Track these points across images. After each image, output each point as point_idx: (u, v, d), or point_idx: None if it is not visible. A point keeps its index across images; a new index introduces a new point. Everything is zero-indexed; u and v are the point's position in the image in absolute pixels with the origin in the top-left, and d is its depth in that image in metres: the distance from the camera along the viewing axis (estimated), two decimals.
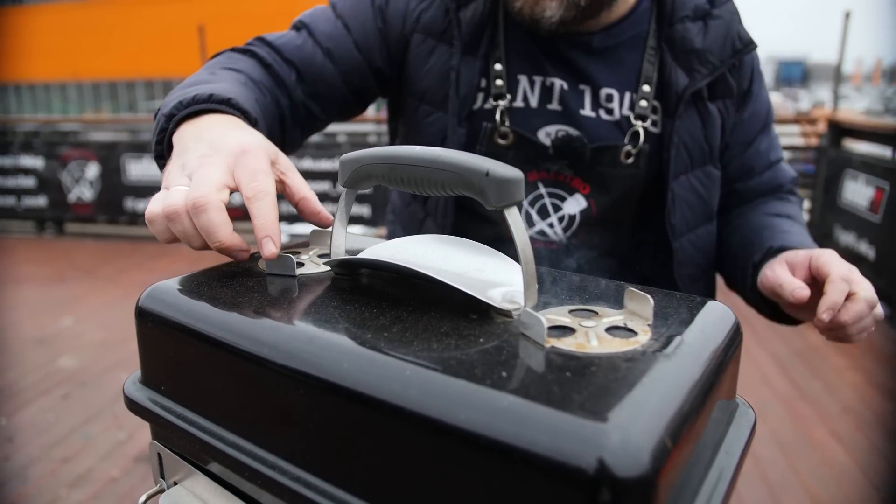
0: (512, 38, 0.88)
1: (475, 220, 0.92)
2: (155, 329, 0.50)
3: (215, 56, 0.87)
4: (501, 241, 0.51)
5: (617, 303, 0.46)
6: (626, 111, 0.88)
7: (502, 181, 0.41)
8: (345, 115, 0.98)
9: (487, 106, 0.88)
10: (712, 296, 1.00)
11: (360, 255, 0.51)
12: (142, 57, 23.12)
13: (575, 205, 0.90)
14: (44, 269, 5.17)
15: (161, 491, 0.54)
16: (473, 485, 0.33)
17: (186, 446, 0.51)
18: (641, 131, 0.86)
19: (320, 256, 0.58)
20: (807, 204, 4.98)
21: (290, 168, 0.60)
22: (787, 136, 5.17)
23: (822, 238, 4.48)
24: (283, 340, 0.42)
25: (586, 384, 0.34)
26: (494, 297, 0.45)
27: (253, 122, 0.67)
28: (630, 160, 0.87)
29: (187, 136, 0.62)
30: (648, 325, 0.41)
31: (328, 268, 0.55)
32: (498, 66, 0.87)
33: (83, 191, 5.91)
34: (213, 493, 0.50)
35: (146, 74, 24.70)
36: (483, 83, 0.89)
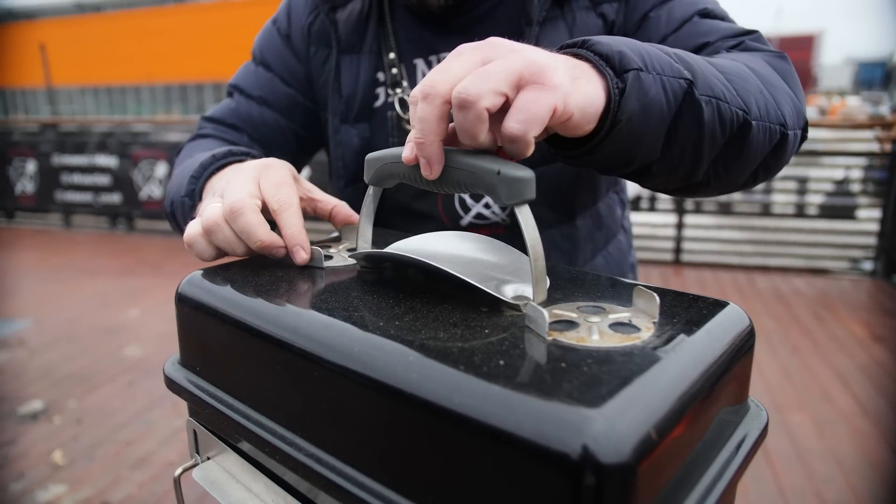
0: (401, 27, 0.88)
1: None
2: (192, 313, 0.54)
3: (177, 154, 0.93)
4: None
5: (629, 301, 0.47)
6: None
7: (513, 180, 0.43)
8: (311, 151, 1.00)
9: (391, 99, 0.87)
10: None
11: (383, 250, 0.53)
12: (210, 60, 24.02)
13: None
14: (115, 263, 5.44)
15: (195, 465, 0.57)
16: (466, 465, 0.34)
17: (219, 424, 0.54)
18: None
19: (349, 251, 0.61)
20: (877, 212, 4.76)
21: (312, 186, 0.64)
22: (861, 141, 4.95)
23: (893, 250, 4.27)
24: (302, 326, 0.44)
25: (578, 375, 0.35)
26: (506, 291, 0.46)
27: None
28: None
29: (215, 180, 0.69)
30: (654, 322, 0.42)
31: (355, 261, 0.57)
32: (391, 55, 0.86)
33: (153, 189, 6.20)
34: (242, 470, 0.53)
35: (214, 77, 25.67)
36: (381, 77, 0.88)
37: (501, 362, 0.37)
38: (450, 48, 0.82)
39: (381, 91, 0.88)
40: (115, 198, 6.46)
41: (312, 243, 0.57)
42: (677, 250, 5.19)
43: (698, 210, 5.21)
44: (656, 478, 0.33)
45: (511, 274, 0.50)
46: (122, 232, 6.62)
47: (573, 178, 0.86)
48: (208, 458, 0.57)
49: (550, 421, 0.32)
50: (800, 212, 5.06)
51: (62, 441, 2.62)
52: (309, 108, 0.95)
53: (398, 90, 0.86)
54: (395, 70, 0.86)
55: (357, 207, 0.88)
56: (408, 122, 0.85)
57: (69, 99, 30.42)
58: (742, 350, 0.44)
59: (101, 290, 4.65)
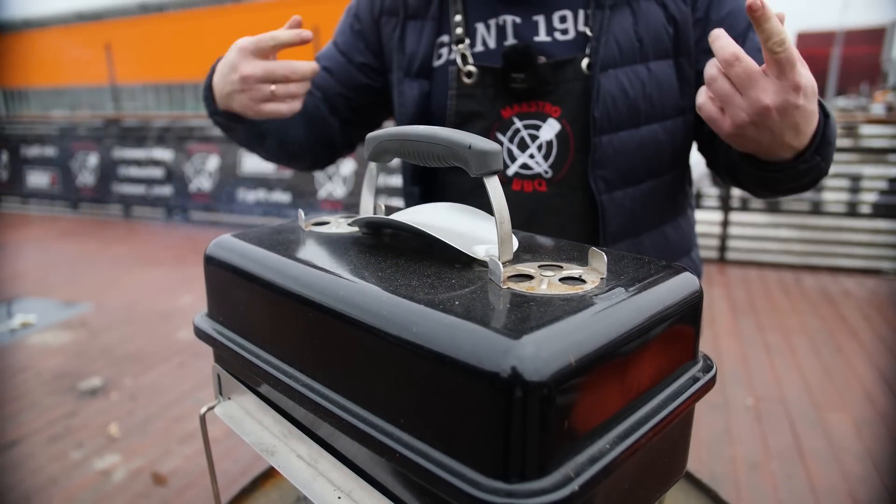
0: None
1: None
2: (216, 271, 0.62)
3: None
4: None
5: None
6: (581, 27, 0.94)
7: (482, 153, 0.49)
8: (364, 116, 1.16)
9: (452, 56, 0.98)
10: (631, 219, 0.98)
11: (378, 216, 0.61)
12: None
13: (550, 130, 0.94)
14: (170, 252, 5.70)
15: (218, 404, 0.66)
16: (424, 385, 0.42)
17: (238, 367, 0.63)
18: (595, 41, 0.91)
19: (350, 225, 0.68)
20: None
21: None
22: None
23: None
24: (302, 276, 0.52)
25: (518, 313, 0.42)
26: (478, 251, 0.53)
27: None
28: (591, 72, 0.91)
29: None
30: (601, 278, 0.48)
31: (357, 228, 0.65)
32: (457, 17, 0.98)
33: (202, 181, 6.45)
34: (256, 407, 0.62)
35: None
36: (446, 38, 1.00)
37: (457, 303, 0.43)
38: (510, 12, 0.97)
39: (444, 51, 1.00)
40: (166, 190, 6.75)
41: (316, 219, 0.65)
42: (722, 248, 5.12)
43: (745, 208, 5.13)
44: (578, 400, 0.40)
45: (485, 236, 0.56)
46: (177, 223, 6.91)
47: (662, 142, 0.97)
48: (229, 399, 0.66)
49: (488, 347, 0.38)
50: (852, 210, 4.92)
51: (118, 415, 2.80)
52: (360, 80, 1.11)
53: (461, 46, 0.97)
54: (459, 30, 0.97)
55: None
56: (467, 74, 0.96)
57: (132, 96, 31.64)
58: (684, 308, 0.49)
59: (157, 277, 4.89)
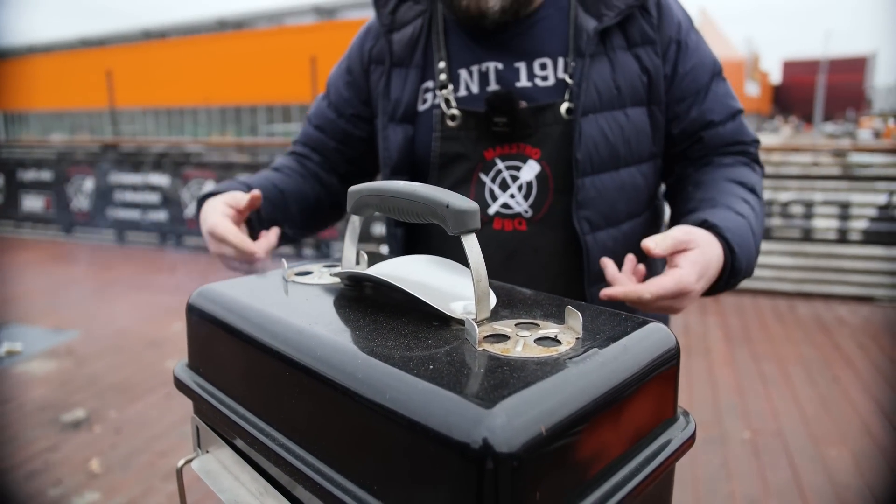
0: (452, 41, 1.04)
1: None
2: (198, 322, 0.62)
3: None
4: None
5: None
6: (561, 74, 0.99)
7: (459, 212, 0.50)
8: (360, 165, 1.20)
9: (436, 101, 1.01)
10: (616, 254, 1.01)
11: (362, 271, 0.61)
12: (264, 84, 24.86)
13: (530, 171, 0.98)
14: (162, 279, 5.68)
15: (195, 457, 0.65)
16: (397, 451, 0.41)
17: (217, 421, 0.62)
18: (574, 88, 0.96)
19: (332, 276, 0.68)
20: None
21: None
22: None
23: None
24: (280, 333, 0.52)
25: (491, 378, 0.41)
26: (456, 308, 0.53)
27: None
28: (572, 115, 0.96)
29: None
30: (577, 338, 0.48)
31: (339, 280, 0.65)
32: (441, 64, 1.02)
33: None
34: (234, 462, 0.61)
35: (267, 100, 26.54)
36: (430, 84, 1.03)
37: (431, 367, 0.43)
38: (493, 59, 1.01)
39: (428, 96, 1.04)
40: (161, 215, 6.74)
41: (298, 267, 0.65)
42: None
43: None
44: (551, 469, 0.39)
45: (463, 292, 0.56)
46: (171, 249, 6.90)
47: (639, 184, 1.03)
48: (207, 452, 0.65)
49: (460, 415, 0.38)
50: (842, 237, 4.95)
51: (100, 450, 2.75)
52: (352, 133, 1.15)
53: (444, 91, 1.01)
54: (443, 76, 1.01)
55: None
56: (451, 118, 1.00)
57: (131, 119, 31.83)
58: (661, 366, 0.49)
59: (148, 304, 4.87)
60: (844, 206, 4.89)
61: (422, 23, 1.05)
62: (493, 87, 1.00)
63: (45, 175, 7.50)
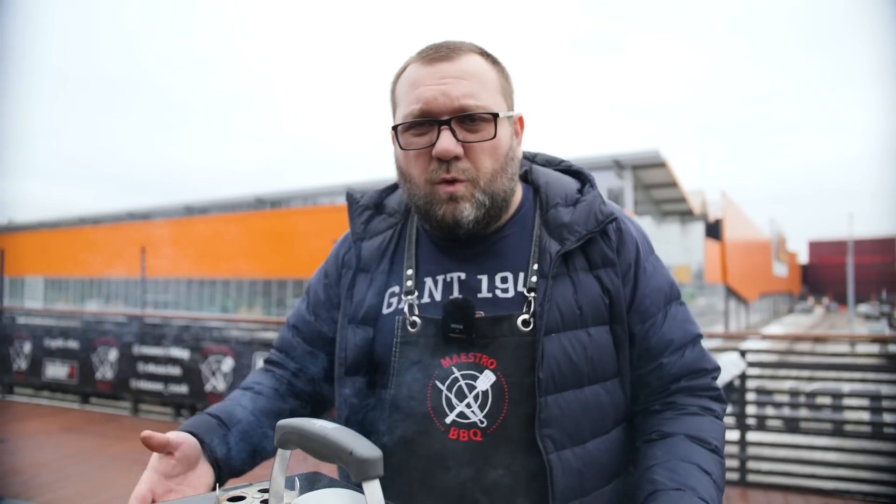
0: (421, 251, 1.12)
1: None
2: None
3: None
4: None
5: None
6: (520, 288, 1.03)
7: (362, 460, 0.52)
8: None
9: (401, 305, 1.06)
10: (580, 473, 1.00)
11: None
12: (293, 260, 26.00)
13: (486, 381, 0.99)
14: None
15: None
16: None
17: None
18: (534, 301, 1.00)
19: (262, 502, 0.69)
20: None
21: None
22: None
23: None
24: None
25: None
26: None
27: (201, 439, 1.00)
28: (528, 328, 0.99)
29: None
30: None
31: None
32: (409, 272, 1.09)
33: (218, 381, 6.48)
34: None
35: (295, 275, 27.55)
36: (396, 289, 1.09)
37: None
38: (458, 269, 1.08)
39: (394, 300, 1.08)
40: (182, 388, 6.76)
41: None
42: (742, 469, 4.85)
43: (761, 427, 4.94)
44: None
45: None
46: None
47: (604, 402, 1.04)
48: None
49: None
50: (877, 432, 4.70)
51: None
52: (328, 337, 1.18)
53: (410, 297, 1.06)
54: (409, 283, 1.08)
55: (350, 392, 1.10)
56: (411, 324, 1.03)
57: (165, 289, 33.03)
58: None
59: None
60: (875, 398, 4.71)
61: (392, 234, 1.14)
62: (455, 295, 1.05)
63: (72, 343, 7.68)
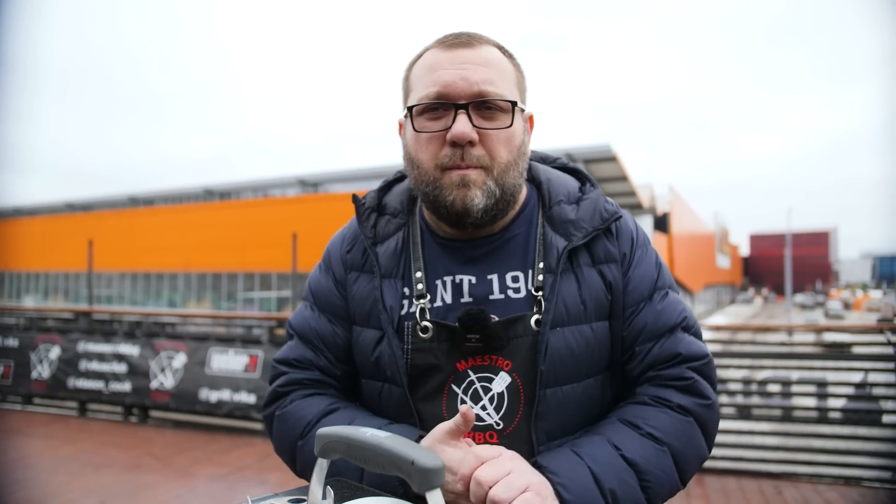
0: (429, 254, 1.09)
1: None
2: None
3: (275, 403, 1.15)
4: None
5: None
6: (531, 287, 1.03)
7: (424, 470, 0.49)
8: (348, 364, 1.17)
9: (413, 309, 1.04)
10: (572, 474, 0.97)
11: None
12: (244, 252, 25.44)
13: (501, 383, 0.99)
14: (123, 455, 5.36)
15: None
16: None
17: None
18: (542, 298, 1.00)
19: None
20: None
21: None
22: (878, 344, 4.92)
23: None
24: None
25: None
26: None
27: None
28: (541, 326, 0.99)
29: None
30: None
31: None
32: (419, 274, 1.06)
33: (165, 379, 6.25)
34: None
35: (246, 268, 26.97)
36: (407, 292, 1.07)
37: None
38: (467, 272, 1.06)
39: (405, 303, 1.07)
40: (126, 386, 6.47)
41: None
42: None
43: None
44: None
45: None
46: (135, 422, 6.58)
47: (596, 395, 1.05)
48: None
49: None
50: (823, 417, 4.89)
51: None
52: (340, 335, 1.13)
53: (422, 301, 1.04)
54: (420, 286, 1.06)
55: (368, 395, 1.10)
56: (423, 329, 1.02)
57: (109, 283, 31.89)
58: None
59: (105, 485, 4.54)
60: (821, 384, 4.89)
61: (402, 236, 1.11)
62: (466, 298, 1.04)
63: (11, 342, 7.29)
